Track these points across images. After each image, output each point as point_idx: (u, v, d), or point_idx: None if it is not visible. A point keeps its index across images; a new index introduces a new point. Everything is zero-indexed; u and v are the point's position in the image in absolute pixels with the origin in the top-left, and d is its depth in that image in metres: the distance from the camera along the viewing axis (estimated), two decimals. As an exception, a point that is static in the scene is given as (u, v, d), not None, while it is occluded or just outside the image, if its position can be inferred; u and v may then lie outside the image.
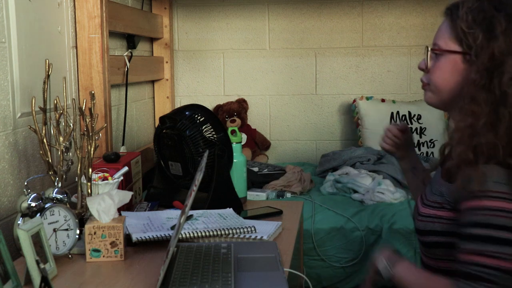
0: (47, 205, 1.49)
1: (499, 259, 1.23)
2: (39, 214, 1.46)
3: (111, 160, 1.94)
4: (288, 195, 2.65)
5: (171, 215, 1.82)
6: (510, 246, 1.24)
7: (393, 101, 3.42)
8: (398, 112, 3.34)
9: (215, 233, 1.62)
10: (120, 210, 1.63)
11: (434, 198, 1.42)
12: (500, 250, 1.24)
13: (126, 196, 1.58)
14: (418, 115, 3.34)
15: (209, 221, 1.72)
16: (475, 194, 1.27)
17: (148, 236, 1.57)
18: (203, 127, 1.98)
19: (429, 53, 1.41)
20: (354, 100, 3.43)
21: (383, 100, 3.42)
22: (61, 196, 1.55)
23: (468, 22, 1.35)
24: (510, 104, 1.30)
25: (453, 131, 1.36)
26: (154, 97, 3.44)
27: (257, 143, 3.53)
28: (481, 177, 1.27)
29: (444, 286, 1.29)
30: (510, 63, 1.31)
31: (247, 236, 1.63)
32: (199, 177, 1.31)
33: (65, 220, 1.52)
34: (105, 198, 1.52)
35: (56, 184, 1.60)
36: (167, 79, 3.46)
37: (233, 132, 2.12)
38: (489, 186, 1.26)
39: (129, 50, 2.85)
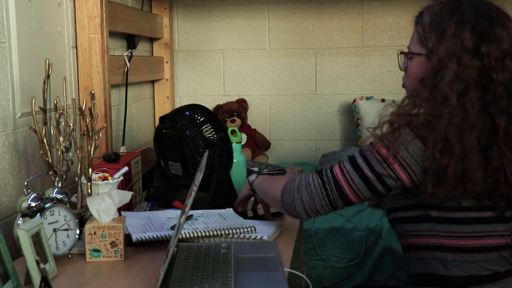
0: (47, 205, 1.49)
1: (346, 180, 1.44)
2: (39, 214, 1.46)
3: (111, 160, 1.94)
4: (288, 195, 2.65)
5: (171, 215, 1.82)
6: (363, 181, 1.42)
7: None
8: (398, 112, 3.33)
9: (215, 233, 1.62)
10: (120, 210, 1.63)
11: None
12: (354, 176, 1.43)
13: (126, 196, 1.58)
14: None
15: (209, 221, 1.72)
16: (394, 153, 1.40)
17: (148, 236, 1.57)
18: (203, 127, 1.98)
19: (399, 56, 1.56)
20: (354, 100, 3.43)
21: (383, 100, 3.42)
22: (61, 196, 1.55)
23: (426, 26, 1.46)
24: (450, 105, 1.37)
25: (390, 113, 1.49)
26: (154, 97, 3.44)
27: (257, 143, 3.53)
28: (409, 145, 1.39)
29: (282, 181, 1.54)
30: (451, 66, 1.38)
31: (247, 236, 1.63)
32: (199, 177, 1.31)
33: (65, 220, 1.52)
34: (105, 198, 1.52)
35: (56, 184, 1.60)
36: (167, 79, 3.46)
37: (233, 132, 2.12)
38: (407, 156, 1.38)
39: (129, 50, 2.85)
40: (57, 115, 1.63)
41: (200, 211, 1.84)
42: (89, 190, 1.67)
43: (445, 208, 1.42)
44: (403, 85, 1.59)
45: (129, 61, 2.75)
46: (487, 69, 1.37)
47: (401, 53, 1.55)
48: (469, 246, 1.43)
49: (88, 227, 1.49)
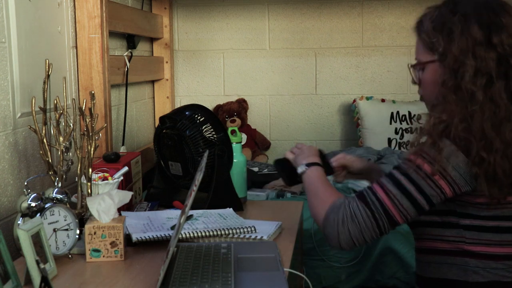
0: (47, 205, 1.49)
1: (391, 201, 1.38)
2: (39, 214, 1.46)
3: (111, 160, 1.94)
4: (288, 195, 2.65)
5: (171, 215, 1.82)
6: (408, 200, 1.37)
7: (393, 101, 3.42)
8: (398, 112, 3.34)
9: (215, 233, 1.62)
10: (120, 210, 1.63)
11: None
12: (398, 196, 1.38)
13: (126, 196, 1.58)
14: (418, 115, 3.33)
15: (209, 221, 1.72)
16: (417, 152, 1.39)
17: (148, 236, 1.57)
18: (203, 127, 1.98)
19: (412, 69, 1.52)
20: (354, 100, 3.43)
21: (383, 100, 3.42)
22: (61, 196, 1.55)
23: (431, 31, 1.45)
24: (478, 101, 1.36)
25: (424, 124, 1.45)
26: (154, 97, 3.44)
27: (257, 143, 3.53)
28: (451, 158, 1.35)
29: (331, 197, 1.47)
30: (469, 62, 1.37)
31: (247, 236, 1.63)
32: (199, 177, 1.31)
33: (65, 220, 1.52)
34: (105, 198, 1.52)
35: (56, 184, 1.60)
36: (167, 79, 3.46)
37: (233, 132, 2.12)
38: (452, 171, 1.35)
39: (129, 50, 2.85)
40: (57, 115, 1.63)
41: (200, 211, 1.84)
42: (89, 190, 1.67)
43: (479, 216, 1.40)
44: (421, 98, 1.55)
45: (129, 61, 2.75)
46: (504, 57, 1.37)
47: (412, 66, 1.52)
48: (495, 253, 1.41)
49: (88, 227, 1.49)
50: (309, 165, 1.61)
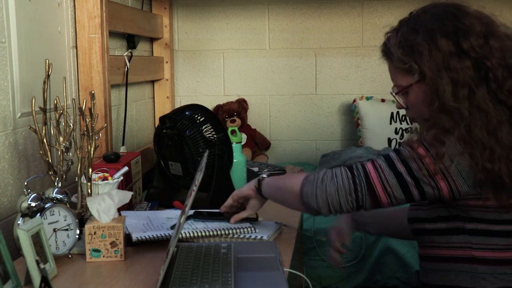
0: (47, 205, 1.49)
1: (376, 171, 1.37)
2: (39, 214, 1.46)
3: (111, 160, 1.94)
4: (288, 195, 2.64)
5: (171, 215, 1.82)
6: (396, 177, 1.35)
7: (393, 101, 3.41)
8: (398, 112, 3.34)
9: (215, 233, 1.62)
10: (120, 210, 1.63)
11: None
12: (388, 175, 1.36)
13: (126, 196, 1.58)
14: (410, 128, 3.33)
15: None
16: (420, 140, 1.37)
17: (148, 236, 1.57)
18: (203, 127, 1.98)
19: (394, 96, 1.51)
20: (354, 100, 3.43)
21: (383, 100, 3.42)
22: (61, 196, 1.55)
23: (402, 57, 1.43)
24: (465, 115, 1.34)
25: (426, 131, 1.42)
26: (154, 97, 3.44)
27: (257, 143, 3.53)
28: (458, 163, 1.33)
29: (302, 175, 1.46)
30: (445, 79, 1.36)
31: (247, 236, 1.63)
32: (199, 177, 1.31)
33: (65, 220, 1.52)
34: (105, 198, 1.52)
35: (56, 184, 1.60)
36: (167, 79, 3.45)
37: (233, 132, 2.12)
38: (454, 172, 1.33)
39: (129, 50, 2.85)
40: (57, 115, 1.63)
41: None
42: (89, 190, 1.67)
43: (484, 220, 1.38)
44: (412, 119, 1.53)
45: (129, 61, 2.75)
46: (479, 61, 1.35)
47: (396, 93, 1.50)
48: (502, 258, 1.39)
49: (88, 227, 1.49)
50: (258, 186, 1.61)
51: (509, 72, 1.36)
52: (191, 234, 1.60)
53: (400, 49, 1.43)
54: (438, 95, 1.37)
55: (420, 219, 1.47)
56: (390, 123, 3.33)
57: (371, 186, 1.37)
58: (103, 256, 1.50)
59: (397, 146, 3.32)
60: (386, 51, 1.49)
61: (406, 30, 1.43)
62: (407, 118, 3.33)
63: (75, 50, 2.22)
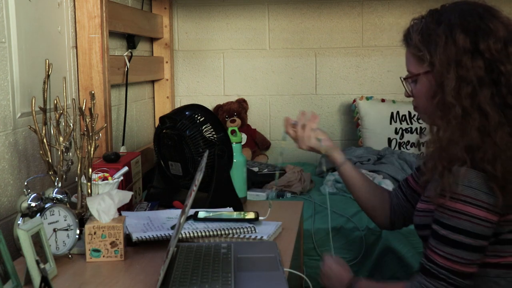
0: (47, 205, 1.49)
1: (451, 261, 1.34)
2: (39, 214, 1.46)
3: (111, 160, 1.94)
4: (288, 195, 2.65)
5: (171, 215, 1.83)
6: (466, 251, 1.33)
7: (393, 101, 3.42)
8: (398, 112, 3.34)
9: (215, 233, 1.62)
10: (120, 210, 1.63)
11: (428, 193, 1.47)
12: (454, 252, 1.33)
13: (126, 196, 1.58)
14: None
15: (209, 221, 1.73)
16: (460, 198, 1.32)
17: (148, 236, 1.57)
18: (203, 127, 1.98)
19: (404, 82, 1.51)
20: (354, 100, 3.43)
21: (383, 100, 3.42)
22: (61, 196, 1.55)
23: (418, 44, 1.44)
24: (456, 116, 1.34)
25: (431, 139, 1.42)
26: (154, 97, 3.44)
27: (257, 143, 3.53)
28: (460, 179, 1.32)
29: (400, 285, 1.43)
30: (451, 74, 1.36)
31: (247, 236, 1.63)
32: (199, 177, 1.31)
33: (65, 220, 1.52)
34: (105, 198, 1.52)
35: (56, 184, 1.60)
36: (167, 79, 3.46)
37: (233, 132, 2.12)
38: (464, 190, 1.32)
39: (129, 50, 2.85)
40: (57, 115, 1.63)
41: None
42: (89, 190, 1.67)
43: (498, 233, 1.37)
44: (415, 108, 1.53)
45: (129, 61, 2.75)
46: (493, 64, 1.35)
47: (404, 79, 1.51)
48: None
49: (88, 227, 1.49)
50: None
51: None
52: (191, 234, 1.60)
53: (419, 35, 1.44)
54: (442, 89, 1.38)
55: (430, 226, 1.44)
56: (390, 123, 3.33)
57: (458, 274, 1.35)
58: (103, 256, 1.50)
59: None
60: (407, 36, 1.50)
61: (430, 19, 1.44)
62: (407, 118, 3.33)
63: (75, 50, 2.21)
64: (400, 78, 1.53)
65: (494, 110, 1.34)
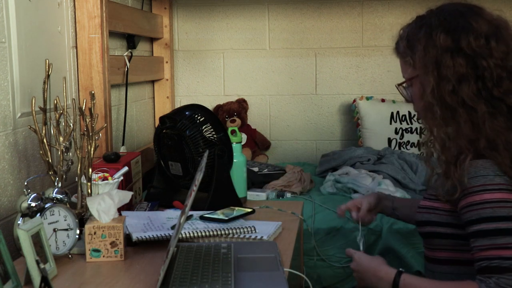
0: (47, 205, 1.49)
1: (510, 248, 1.27)
2: (39, 214, 1.46)
3: (111, 160, 1.94)
4: (288, 195, 2.65)
5: (171, 215, 1.82)
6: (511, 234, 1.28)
7: (393, 101, 3.42)
8: (398, 112, 3.34)
9: (215, 233, 1.62)
10: (120, 210, 1.63)
11: (431, 191, 1.49)
12: (507, 240, 1.27)
13: (126, 196, 1.58)
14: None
15: (209, 221, 1.73)
16: (473, 190, 1.32)
17: (148, 236, 1.57)
18: (203, 127, 1.98)
19: (401, 89, 1.53)
20: (354, 100, 3.43)
21: (383, 100, 3.42)
22: (61, 196, 1.55)
23: (404, 50, 1.48)
24: (451, 109, 1.37)
25: (434, 140, 1.44)
26: (154, 97, 3.44)
27: (257, 143, 3.53)
28: (467, 172, 1.33)
29: (473, 286, 1.30)
30: (431, 76, 1.39)
31: (247, 236, 1.63)
32: (199, 177, 1.31)
33: (65, 220, 1.52)
34: (105, 198, 1.52)
35: (56, 184, 1.60)
36: (167, 79, 3.46)
37: (233, 132, 2.12)
38: (478, 180, 1.31)
39: (129, 50, 2.85)
40: (57, 115, 1.63)
41: (201, 213, 1.84)
42: (89, 190, 1.67)
43: None
44: (418, 115, 1.53)
45: (129, 61, 2.75)
46: (475, 59, 1.37)
47: (399, 85, 1.54)
48: None
49: (88, 227, 1.49)
50: (396, 285, 1.43)
51: (507, 74, 1.38)
52: (191, 234, 1.60)
53: (406, 41, 1.47)
54: (424, 91, 1.41)
55: (432, 223, 1.46)
56: (390, 123, 3.33)
57: None
58: (103, 256, 1.50)
59: (397, 147, 3.31)
60: (397, 44, 1.53)
61: (413, 25, 1.47)
62: (407, 118, 3.33)
63: (75, 50, 2.22)
64: (396, 85, 1.55)
65: (481, 103, 1.36)
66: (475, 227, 1.32)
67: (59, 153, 1.64)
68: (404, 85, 1.52)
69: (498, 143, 1.34)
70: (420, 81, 1.44)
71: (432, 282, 1.41)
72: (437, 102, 1.38)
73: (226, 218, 1.72)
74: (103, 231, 1.49)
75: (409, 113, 3.33)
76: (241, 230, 1.63)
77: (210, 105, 3.56)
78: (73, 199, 1.67)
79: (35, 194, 1.49)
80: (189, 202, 1.28)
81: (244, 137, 3.42)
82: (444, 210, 1.44)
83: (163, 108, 3.41)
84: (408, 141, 3.31)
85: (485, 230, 1.30)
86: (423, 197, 1.53)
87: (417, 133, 3.32)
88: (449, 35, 1.39)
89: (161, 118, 2.05)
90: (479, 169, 1.33)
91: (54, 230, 1.49)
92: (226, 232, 1.62)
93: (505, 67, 1.38)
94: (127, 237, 1.57)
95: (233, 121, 3.45)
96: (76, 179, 1.67)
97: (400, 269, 1.46)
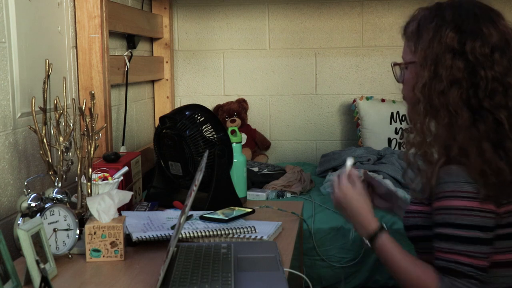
0: (47, 205, 1.49)
1: (471, 257, 1.30)
2: (39, 214, 1.46)
3: (111, 160, 1.94)
4: (288, 195, 2.65)
5: (171, 215, 1.83)
6: (478, 245, 1.31)
7: (393, 101, 3.42)
8: (398, 112, 3.34)
9: (215, 233, 1.62)
10: (120, 210, 1.63)
11: (417, 195, 1.48)
12: (471, 249, 1.31)
13: (126, 196, 1.58)
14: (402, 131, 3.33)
15: (209, 221, 1.73)
16: (444, 195, 1.33)
17: (148, 236, 1.57)
18: (203, 127, 1.98)
19: (395, 68, 1.51)
20: (354, 100, 3.43)
21: (383, 100, 3.42)
22: (61, 196, 1.55)
23: (411, 34, 1.44)
24: (419, 113, 1.38)
25: (414, 135, 1.43)
26: (154, 97, 3.44)
27: (257, 143, 3.53)
28: (446, 178, 1.33)
29: (431, 279, 1.33)
30: (427, 71, 1.38)
31: (247, 236, 1.63)
32: (199, 177, 1.31)
33: (65, 220, 1.52)
34: (105, 198, 1.52)
35: (56, 184, 1.60)
36: (167, 79, 3.46)
37: (233, 132, 2.12)
38: (455, 186, 1.32)
39: (129, 50, 2.85)
40: (57, 115, 1.63)
41: (201, 213, 1.84)
42: (89, 190, 1.67)
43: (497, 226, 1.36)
44: (404, 98, 1.52)
45: (129, 61, 2.75)
46: (475, 67, 1.35)
47: (394, 64, 1.51)
48: (502, 261, 1.38)
49: (88, 227, 1.49)
50: (372, 240, 1.45)
51: (503, 89, 1.36)
52: (191, 234, 1.60)
53: (416, 25, 1.44)
54: (417, 82, 1.40)
55: (419, 226, 1.46)
56: (390, 123, 3.33)
57: (483, 269, 1.32)
58: (103, 256, 1.50)
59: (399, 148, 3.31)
60: (407, 23, 1.49)
61: (429, 13, 1.43)
62: (407, 118, 3.33)
63: (75, 50, 2.22)
64: (391, 63, 1.53)
65: (464, 110, 1.35)
66: (439, 230, 1.34)
67: (59, 153, 1.64)
68: (400, 66, 1.50)
69: (470, 152, 1.33)
70: (415, 69, 1.42)
71: (401, 253, 1.41)
72: (424, 99, 1.38)
73: (226, 218, 1.72)
74: (103, 231, 1.49)
75: (409, 113, 3.32)
76: (241, 230, 1.63)
77: (210, 105, 3.56)
78: (73, 199, 1.67)
79: (35, 194, 1.49)
80: (189, 202, 1.28)
81: (244, 137, 3.42)
82: (426, 213, 1.43)
83: (163, 108, 3.41)
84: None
85: (448, 234, 1.32)
86: (410, 201, 1.52)
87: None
88: (457, 35, 1.37)
89: (161, 118, 2.05)
90: (451, 176, 1.33)
91: (54, 230, 1.49)
92: (226, 232, 1.62)
93: (502, 82, 1.36)
94: (127, 237, 1.57)
95: (233, 121, 3.45)
96: (76, 179, 1.67)
97: (383, 225, 1.46)
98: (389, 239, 1.44)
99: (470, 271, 1.30)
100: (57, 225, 1.50)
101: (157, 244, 1.57)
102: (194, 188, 1.29)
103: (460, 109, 1.35)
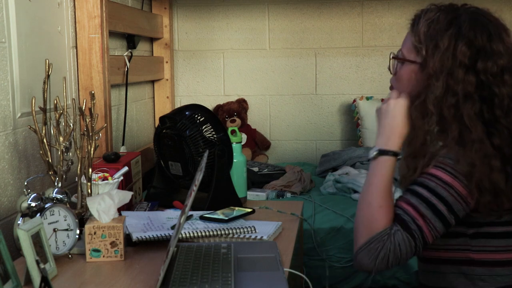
0: (47, 205, 1.49)
1: (426, 223, 1.34)
2: (39, 214, 1.46)
3: (111, 160, 1.94)
4: (288, 195, 2.65)
5: (171, 215, 1.82)
6: (438, 218, 1.34)
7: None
8: (398, 112, 3.33)
9: (215, 233, 1.62)
10: (120, 210, 1.63)
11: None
12: (429, 216, 1.34)
13: (126, 196, 1.58)
14: None
15: (209, 221, 1.73)
16: (438, 165, 1.36)
17: (148, 236, 1.57)
18: (203, 127, 1.98)
19: (391, 59, 1.49)
20: (354, 100, 3.43)
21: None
22: (61, 196, 1.55)
23: (421, 35, 1.41)
24: (430, 123, 1.37)
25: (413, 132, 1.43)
26: (154, 97, 3.44)
27: (257, 143, 3.53)
28: (447, 154, 1.36)
29: (384, 221, 1.37)
30: (440, 82, 1.36)
31: (247, 236, 1.63)
32: (199, 177, 1.31)
33: (65, 220, 1.52)
34: (105, 198, 1.52)
35: (56, 184, 1.60)
36: (167, 79, 3.46)
37: (233, 132, 2.12)
38: (450, 162, 1.35)
39: (129, 50, 2.85)
40: (57, 115, 1.63)
41: (201, 213, 1.84)
42: (89, 190, 1.67)
43: (485, 223, 1.38)
44: (391, 88, 1.50)
45: (129, 61, 2.75)
46: (486, 84, 1.35)
47: (393, 57, 1.49)
48: (501, 259, 1.39)
49: (88, 227, 1.49)
50: (380, 153, 1.43)
51: None
52: (191, 234, 1.60)
53: (427, 27, 1.40)
54: (426, 93, 1.38)
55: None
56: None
57: (425, 240, 1.35)
58: (103, 256, 1.50)
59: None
60: (416, 18, 1.45)
61: (444, 17, 1.40)
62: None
63: (75, 50, 2.22)
64: (390, 54, 1.50)
65: (477, 125, 1.35)
66: (414, 187, 1.38)
67: (59, 153, 1.64)
68: (399, 60, 1.47)
69: (477, 165, 1.34)
70: (419, 72, 1.41)
71: (384, 188, 1.41)
72: (436, 111, 1.37)
73: (226, 218, 1.72)
74: (103, 231, 1.49)
75: (409, 113, 3.33)
76: (241, 230, 1.63)
77: (210, 105, 3.56)
78: (73, 199, 1.67)
79: (35, 194, 1.49)
80: (189, 202, 1.28)
81: (244, 137, 3.43)
82: None
83: (163, 108, 3.41)
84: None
85: (419, 193, 1.36)
86: None
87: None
88: (469, 50, 1.35)
89: (161, 118, 2.05)
90: (453, 156, 1.35)
91: (54, 230, 1.49)
92: (226, 232, 1.62)
93: None
94: (127, 237, 1.57)
95: (233, 121, 3.45)
96: (76, 179, 1.67)
97: (398, 153, 1.44)
98: (389, 167, 1.44)
99: (416, 233, 1.34)
100: (57, 225, 1.50)
101: (157, 244, 1.57)
102: (194, 188, 1.29)
103: (474, 122, 1.35)
